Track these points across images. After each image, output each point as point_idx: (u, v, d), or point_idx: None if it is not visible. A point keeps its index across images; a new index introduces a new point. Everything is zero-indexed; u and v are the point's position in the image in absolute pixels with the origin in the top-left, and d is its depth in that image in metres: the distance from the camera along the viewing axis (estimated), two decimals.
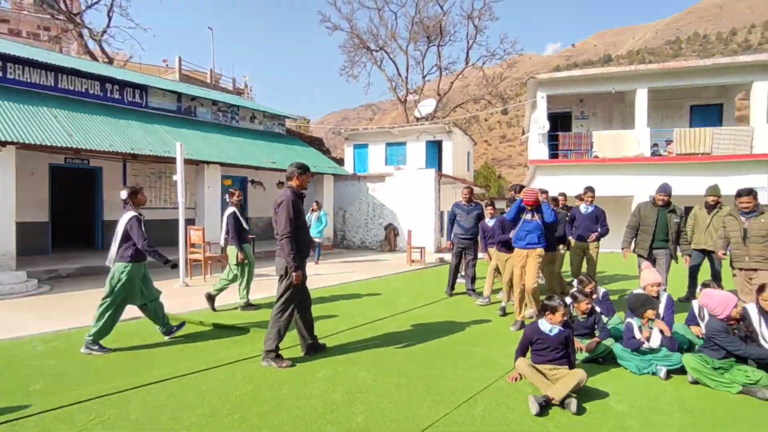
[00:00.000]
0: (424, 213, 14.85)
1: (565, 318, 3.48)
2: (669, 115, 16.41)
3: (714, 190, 6.46)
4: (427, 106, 22.34)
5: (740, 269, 5.01)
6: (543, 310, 3.56)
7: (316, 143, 21.58)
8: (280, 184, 15.44)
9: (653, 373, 3.71)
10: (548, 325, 3.48)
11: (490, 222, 6.53)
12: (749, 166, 13.56)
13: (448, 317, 5.74)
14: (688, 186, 12.58)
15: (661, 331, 3.85)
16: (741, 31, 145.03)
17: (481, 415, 3.00)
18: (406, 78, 28.78)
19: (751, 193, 4.99)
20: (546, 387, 3.19)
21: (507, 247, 5.86)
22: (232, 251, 6.13)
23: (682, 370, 3.67)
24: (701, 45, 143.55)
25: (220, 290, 6.15)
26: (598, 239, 6.61)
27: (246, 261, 6.14)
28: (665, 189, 5.81)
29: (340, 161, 20.26)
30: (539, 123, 15.48)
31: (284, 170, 13.22)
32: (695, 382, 3.54)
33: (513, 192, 6.75)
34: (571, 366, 3.45)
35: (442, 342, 4.69)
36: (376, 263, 11.61)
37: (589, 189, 6.78)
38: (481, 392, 3.36)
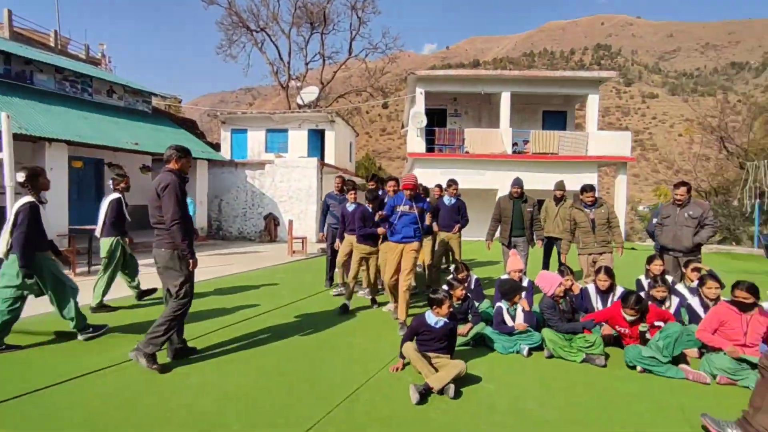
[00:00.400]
0: (306, 202, 14.55)
1: (451, 310, 3.62)
2: (527, 118, 18.47)
3: (560, 185, 7.43)
4: (310, 93, 21.81)
5: (588, 254, 5.80)
6: (429, 304, 3.64)
7: (189, 125, 19.68)
8: (144, 168, 13.75)
9: (517, 352, 4.10)
10: (434, 318, 3.58)
11: (350, 207, 6.38)
12: (585, 165, 15.97)
13: (328, 308, 5.66)
14: (541, 181, 14.36)
15: (523, 309, 4.30)
16: (577, 52, 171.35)
17: (363, 410, 2.97)
18: (289, 63, 27.85)
19: (592, 189, 5.85)
20: (429, 373, 3.30)
21: (371, 239, 5.62)
22: (106, 243, 5.38)
23: (540, 347, 4.14)
24: (549, 60, 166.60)
25: (137, 286, 5.73)
26: (459, 230, 7.05)
27: (125, 252, 5.55)
28: (518, 182, 6.49)
29: (216, 146, 18.82)
30: (417, 118, 16.18)
31: (148, 153, 11.96)
32: (550, 356, 4.00)
33: (367, 181, 6.76)
34: (452, 355, 3.62)
35: (323, 335, 4.59)
36: (255, 255, 11.03)
37: (453, 182, 7.15)
38: (363, 386, 3.34)
